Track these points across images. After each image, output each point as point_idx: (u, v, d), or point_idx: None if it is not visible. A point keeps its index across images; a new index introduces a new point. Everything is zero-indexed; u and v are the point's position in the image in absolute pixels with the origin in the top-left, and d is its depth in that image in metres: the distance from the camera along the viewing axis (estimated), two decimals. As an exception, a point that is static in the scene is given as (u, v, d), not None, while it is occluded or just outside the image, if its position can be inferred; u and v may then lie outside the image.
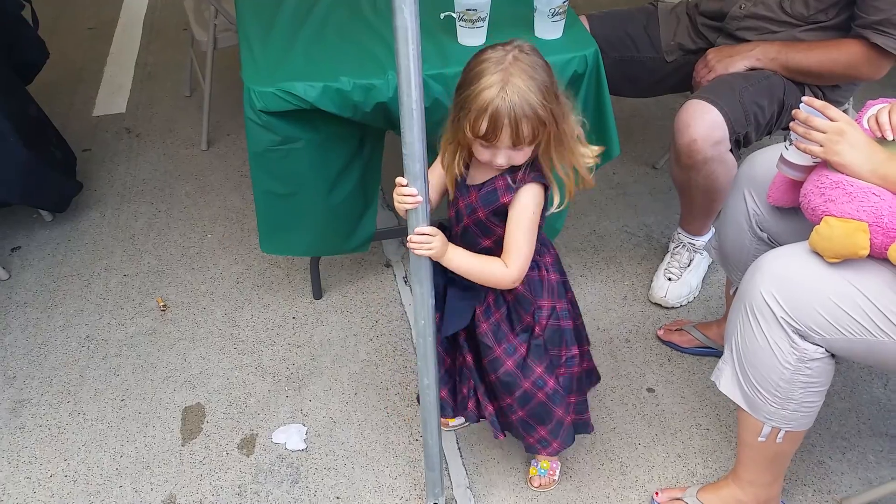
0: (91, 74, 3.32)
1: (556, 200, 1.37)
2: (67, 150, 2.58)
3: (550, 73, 1.29)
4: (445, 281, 1.46)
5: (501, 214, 1.39)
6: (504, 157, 1.30)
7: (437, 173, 1.45)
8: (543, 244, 1.50)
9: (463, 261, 1.39)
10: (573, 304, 1.57)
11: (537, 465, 1.73)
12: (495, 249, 1.42)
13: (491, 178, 1.38)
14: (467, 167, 1.42)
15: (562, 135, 1.32)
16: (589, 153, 1.38)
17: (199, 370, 2.02)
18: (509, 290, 1.46)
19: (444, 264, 1.37)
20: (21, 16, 2.49)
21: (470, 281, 1.42)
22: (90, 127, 2.98)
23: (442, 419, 1.74)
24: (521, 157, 1.31)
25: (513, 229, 1.37)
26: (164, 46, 3.54)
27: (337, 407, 1.92)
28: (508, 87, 1.23)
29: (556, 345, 1.52)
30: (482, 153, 1.31)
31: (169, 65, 3.39)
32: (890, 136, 1.32)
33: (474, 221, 1.42)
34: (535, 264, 1.47)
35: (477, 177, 1.41)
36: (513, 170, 1.36)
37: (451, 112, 1.33)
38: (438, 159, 1.44)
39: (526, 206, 1.36)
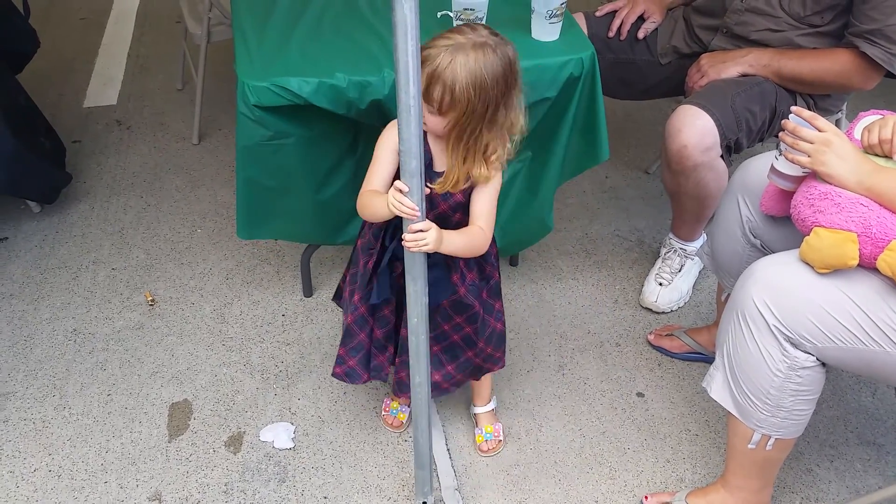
0: (82, 65, 3.29)
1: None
2: (57, 140, 2.55)
3: (506, 84, 1.34)
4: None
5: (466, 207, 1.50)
6: (425, 111, 1.34)
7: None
8: None
9: (456, 242, 1.44)
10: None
11: (482, 432, 1.81)
12: (464, 220, 1.50)
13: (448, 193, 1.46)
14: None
15: (479, 138, 1.38)
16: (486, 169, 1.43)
17: (187, 366, 2.01)
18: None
19: (440, 251, 1.40)
20: (11, 4, 2.46)
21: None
22: (80, 118, 2.96)
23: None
24: (431, 122, 1.35)
25: (486, 201, 1.48)
26: (157, 39, 3.51)
27: (325, 406, 1.91)
28: (455, 53, 1.29)
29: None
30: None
31: (161, 57, 3.36)
32: None
33: (445, 223, 1.47)
34: None
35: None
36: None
37: None
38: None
39: (496, 186, 1.48)
